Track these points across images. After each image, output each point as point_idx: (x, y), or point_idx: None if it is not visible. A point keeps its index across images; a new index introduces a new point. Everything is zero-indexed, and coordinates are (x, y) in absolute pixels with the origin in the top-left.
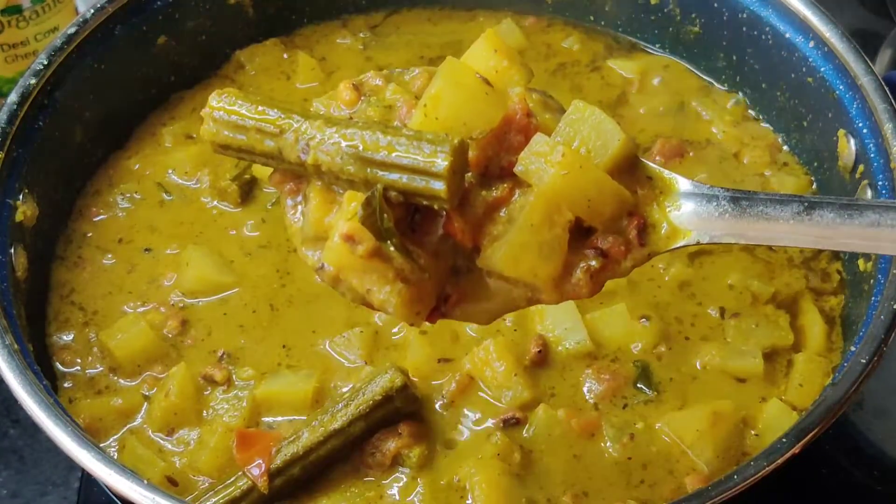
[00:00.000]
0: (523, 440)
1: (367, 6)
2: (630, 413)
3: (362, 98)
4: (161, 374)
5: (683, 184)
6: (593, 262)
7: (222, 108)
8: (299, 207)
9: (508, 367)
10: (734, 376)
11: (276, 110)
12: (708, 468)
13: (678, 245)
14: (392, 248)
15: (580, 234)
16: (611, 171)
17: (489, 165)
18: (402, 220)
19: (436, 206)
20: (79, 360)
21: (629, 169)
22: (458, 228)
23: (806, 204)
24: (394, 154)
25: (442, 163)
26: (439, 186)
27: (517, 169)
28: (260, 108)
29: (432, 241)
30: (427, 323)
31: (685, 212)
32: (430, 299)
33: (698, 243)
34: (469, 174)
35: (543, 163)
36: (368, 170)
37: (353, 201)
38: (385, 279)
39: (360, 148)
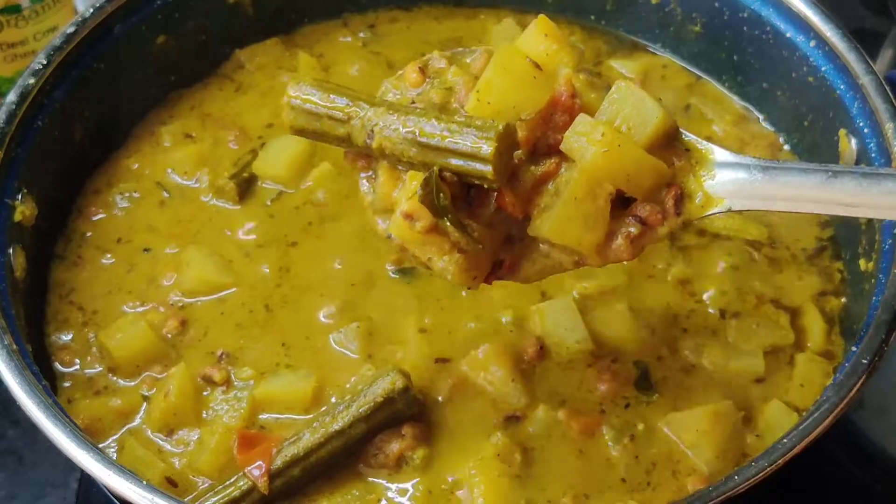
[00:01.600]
0: (523, 441)
1: (367, 5)
2: (630, 414)
3: (427, 80)
4: (160, 374)
5: (719, 154)
6: (633, 229)
7: (298, 97)
8: (368, 183)
9: (505, 373)
10: (735, 376)
11: (344, 99)
12: (708, 469)
13: (712, 212)
14: (448, 224)
15: (621, 203)
16: (650, 146)
17: (537, 143)
18: (458, 196)
19: (485, 185)
20: (78, 360)
21: (668, 142)
22: (508, 202)
23: (830, 173)
24: (446, 140)
25: (487, 148)
26: (486, 168)
27: (562, 147)
28: (331, 97)
29: (486, 214)
30: (484, 284)
31: (719, 181)
32: (486, 266)
33: (730, 210)
34: (518, 152)
35: (585, 142)
36: (425, 153)
37: (413, 180)
38: (442, 250)
39: (417, 134)
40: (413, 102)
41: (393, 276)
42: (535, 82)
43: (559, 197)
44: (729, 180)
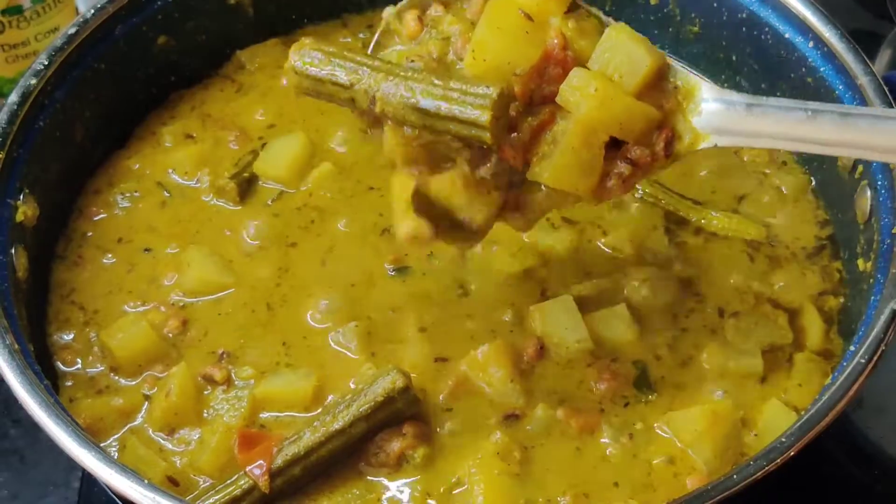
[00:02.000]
0: (523, 440)
1: (367, 5)
2: (630, 413)
3: (425, 29)
4: (161, 373)
5: (706, 89)
6: (624, 170)
7: (300, 62)
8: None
9: (505, 373)
10: (734, 376)
11: (344, 67)
12: (707, 468)
13: (699, 148)
14: None
15: (615, 146)
16: (641, 91)
17: (533, 96)
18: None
19: (484, 147)
20: (79, 360)
21: (658, 82)
22: (509, 154)
23: (810, 111)
24: (444, 108)
25: (484, 116)
26: (485, 134)
27: (558, 100)
28: (332, 62)
29: (491, 165)
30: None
31: (705, 117)
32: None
33: (715, 146)
34: (516, 103)
35: (580, 96)
36: (426, 119)
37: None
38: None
39: (418, 102)
40: (412, 61)
41: (391, 274)
42: (527, 38)
43: (556, 146)
44: (714, 116)
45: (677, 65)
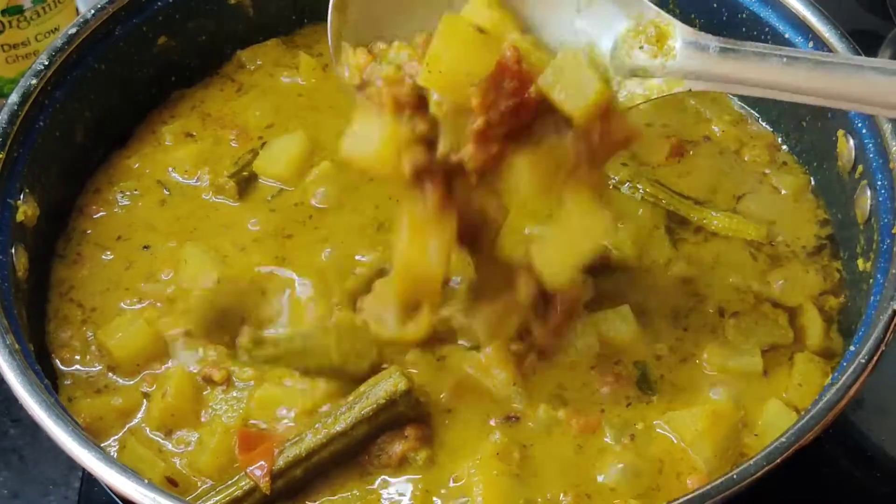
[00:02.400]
0: (523, 440)
1: None
2: (631, 413)
3: (374, 60)
4: (158, 369)
5: (679, 30)
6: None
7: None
8: None
9: (508, 375)
10: (734, 375)
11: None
12: (707, 467)
13: (674, 92)
14: None
15: None
16: (589, 116)
17: (490, 111)
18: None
19: None
20: (78, 358)
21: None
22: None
23: (785, 59)
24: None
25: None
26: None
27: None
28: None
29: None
30: None
31: (679, 59)
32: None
33: (690, 90)
34: (478, 122)
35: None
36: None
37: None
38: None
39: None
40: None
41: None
42: (482, 45)
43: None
44: (688, 59)
45: (651, 5)
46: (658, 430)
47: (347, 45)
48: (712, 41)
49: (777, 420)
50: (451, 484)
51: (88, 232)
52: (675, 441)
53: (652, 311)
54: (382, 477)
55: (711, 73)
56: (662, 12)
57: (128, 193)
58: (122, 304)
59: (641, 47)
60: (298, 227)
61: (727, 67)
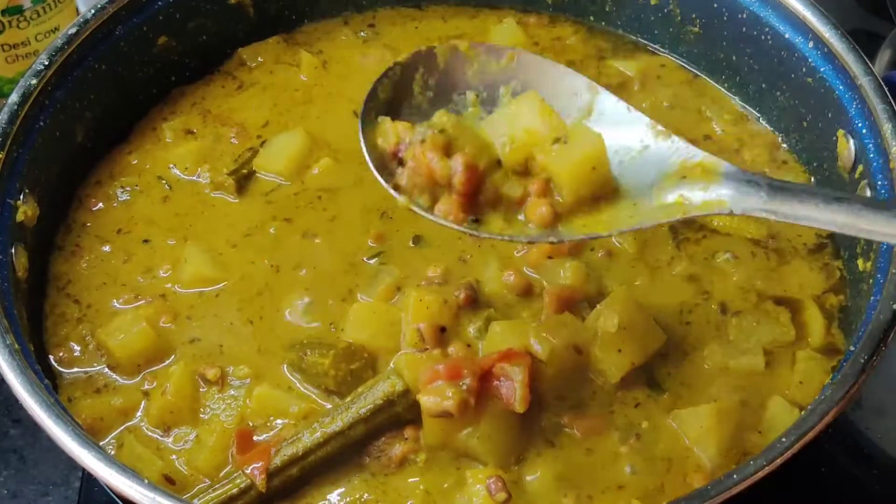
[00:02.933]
0: (524, 442)
1: (368, 5)
2: (636, 413)
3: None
4: (158, 366)
5: (726, 169)
6: None
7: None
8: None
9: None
10: (737, 373)
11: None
12: (711, 465)
13: (711, 213)
14: None
15: None
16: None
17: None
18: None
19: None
20: (76, 357)
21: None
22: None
23: (834, 198)
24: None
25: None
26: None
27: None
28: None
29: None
30: None
31: (724, 189)
32: None
33: (731, 212)
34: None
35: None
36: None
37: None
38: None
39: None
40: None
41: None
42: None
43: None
44: (735, 191)
45: (691, 147)
46: (663, 429)
47: (387, 118)
48: (762, 180)
49: (780, 417)
50: (451, 484)
51: (88, 224)
52: (681, 440)
53: (660, 311)
54: (381, 478)
55: (758, 205)
56: (709, 155)
57: (128, 188)
58: (116, 301)
59: (684, 176)
60: (300, 228)
61: (773, 205)
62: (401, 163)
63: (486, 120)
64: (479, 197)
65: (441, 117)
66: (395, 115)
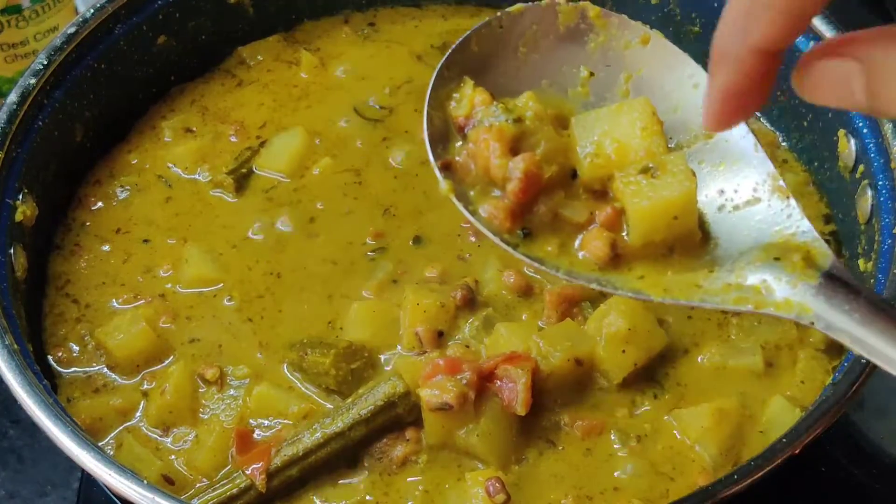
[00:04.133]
0: (525, 443)
1: (368, 4)
2: (637, 413)
3: (494, 103)
4: (157, 367)
5: (832, 263)
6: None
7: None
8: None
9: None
10: (738, 373)
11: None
12: (712, 464)
13: (789, 317)
14: None
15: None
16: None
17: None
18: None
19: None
20: (75, 357)
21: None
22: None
23: None
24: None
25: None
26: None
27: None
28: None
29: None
30: None
31: (815, 292)
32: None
33: (811, 324)
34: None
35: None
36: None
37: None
38: None
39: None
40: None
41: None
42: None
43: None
44: (826, 295)
45: (805, 219)
46: (664, 430)
47: (469, 79)
48: (865, 291)
49: (781, 417)
50: (452, 484)
51: (87, 224)
52: (682, 440)
53: (657, 306)
54: (383, 478)
55: (846, 323)
56: (820, 240)
57: (127, 187)
58: (115, 301)
59: (777, 258)
60: (299, 228)
61: (868, 327)
62: (465, 138)
63: (580, 117)
64: (534, 209)
65: (527, 101)
66: (485, 73)
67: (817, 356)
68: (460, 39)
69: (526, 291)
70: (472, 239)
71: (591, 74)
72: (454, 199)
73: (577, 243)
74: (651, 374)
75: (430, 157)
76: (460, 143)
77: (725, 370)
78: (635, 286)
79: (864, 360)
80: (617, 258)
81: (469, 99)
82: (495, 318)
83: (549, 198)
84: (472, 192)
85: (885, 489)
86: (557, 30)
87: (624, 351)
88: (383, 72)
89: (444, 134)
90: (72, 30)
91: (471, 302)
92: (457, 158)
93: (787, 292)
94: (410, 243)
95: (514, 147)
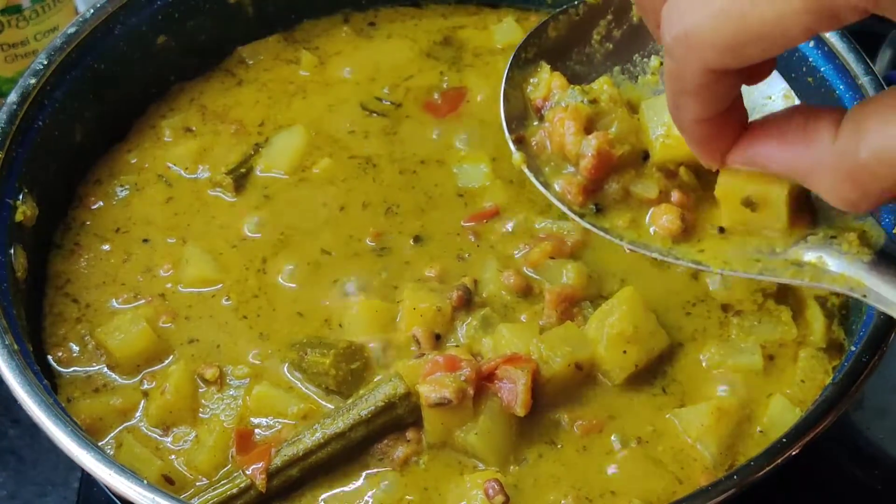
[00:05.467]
0: (525, 444)
1: (367, 4)
2: (637, 413)
3: (571, 87)
4: (157, 366)
5: (888, 243)
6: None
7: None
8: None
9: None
10: (739, 372)
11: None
12: (713, 462)
13: (843, 290)
14: None
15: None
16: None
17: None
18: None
19: None
20: (75, 357)
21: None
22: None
23: None
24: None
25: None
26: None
27: None
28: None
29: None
30: None
31: (870, 268)
32: None
33: (864, 297)
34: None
35: None
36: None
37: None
38: None
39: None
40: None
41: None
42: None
43: None
44: (881, 272)
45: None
46: (664, 429)
47: (546, 64)
48: None
49: (782, 416)
50: (451, 485)
51: (87, 223)
52: (683, 440)
53: (657, 306)
54: (384, 479)
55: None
56: (876, 224)
57: (127, 187)
58: (115, 301)
59: (834, 237)
60: (300, 228)
61: None
62: (542, 119)
63: (651, 101)
64: (606, 187)
65: (602, 84)
66: (560, 58)
67: (817, 355)
68: (538, 25)
69: (525, 292)
70: (472, 238)
71: (661, 64)
72: (525, 170)
73: (647, 219)
74: (652, 373)
75: (506, 132)
76: (537, 122)
77: (726, 369)
78: (696, 258)
79: (864, 360)
80: (686, 232)
81: (546, 83)
82: (493, 318)
83: (621, 176)
84: (546, 169)
85: (885, 489)
86: (631, 20)
87: (625, 352)
88: (384, 70)
89: (521, 113)
90: (72, 30)
91: (467, 302)
92: (532, 139)
93: (841, 268)
94: (411, 242)
95: (589, 127)
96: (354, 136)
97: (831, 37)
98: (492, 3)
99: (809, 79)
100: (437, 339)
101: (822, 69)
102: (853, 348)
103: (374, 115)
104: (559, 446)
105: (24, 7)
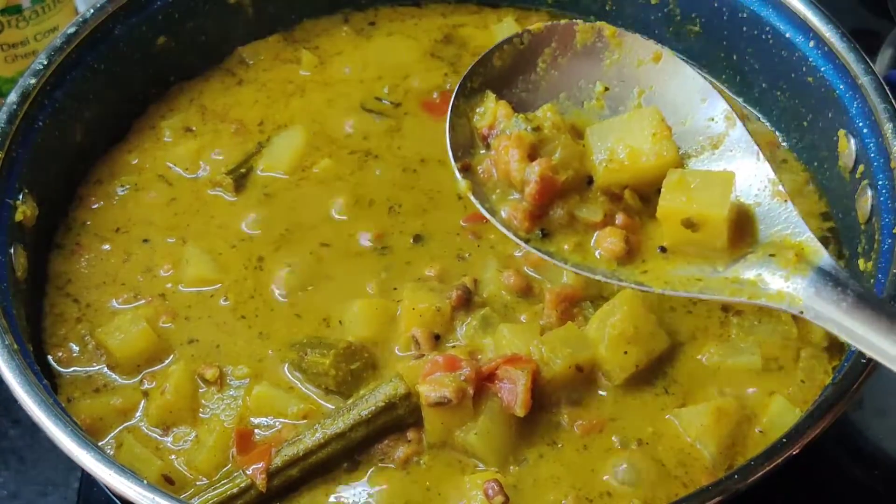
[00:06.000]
0: (525, 444)
1: (367, 4)
2: (638, 413)
3: (515, 116)
4: (157, 366)
5: (825, 261)
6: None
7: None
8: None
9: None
10: (739, 372)
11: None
12: (712, 462)
13: (780, 308)
14: None
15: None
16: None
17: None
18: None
19: None
20: (75, 356)
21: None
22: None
23: None
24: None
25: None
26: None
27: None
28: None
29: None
30: None
31: (807, 284)
32: None
33: (801, 313)
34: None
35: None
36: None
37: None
38: None
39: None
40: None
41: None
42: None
43: None
44: (817, 289)
45: (802, 222)
46: (664, 430)
47: (491, 93)
48: (853, 284)
49: (781, 416)
50: (451, 485)
51: (88, 223)
52: (683, 440)
53: (657, 306)
54: (384, 478)
55: (834, 314)
56: (814, 239)
57: (127, 187)
58: (115, 301)
59: (773, 254)
60: (299, 228)
61: (854, 316)
62: (489, 147)
63: (595, 127)
64: (551, 212)
65: (546, 112)
66: (506, 86)
67: (817, 356)
68: (483, 54)
69: (525, 292)
70: (472, 238)
71: (606, 89)
72: (471, 197)
73: (592, 242)
74: (652, 373)
75: (451, 160)
76: (483, 151)
77: (726, 369)
78: (639, 279)
79: (864, 360)
80: (630, 254)
81: (492, 111)
82: (493, 318)
83: (566, 201)
84: (493, 196)
85: (884, 489)
86: (575, 47)
87: (626, 352)
88: (384, 70)
89: (468, 142)
90: (72, 30)
91: (467, 302)
92: (479, 167)
93: (779, 285)
94: (411, 241)
95: (533, 154)
96: (354, 136)
97: (832, 37)
98: (492, 3)
99: (809, 79)
100: (437, 340)
101: (822, 69)
102: (853, 348)
103: (375, 114)
104: (559, 446)
105: (24, 7)
